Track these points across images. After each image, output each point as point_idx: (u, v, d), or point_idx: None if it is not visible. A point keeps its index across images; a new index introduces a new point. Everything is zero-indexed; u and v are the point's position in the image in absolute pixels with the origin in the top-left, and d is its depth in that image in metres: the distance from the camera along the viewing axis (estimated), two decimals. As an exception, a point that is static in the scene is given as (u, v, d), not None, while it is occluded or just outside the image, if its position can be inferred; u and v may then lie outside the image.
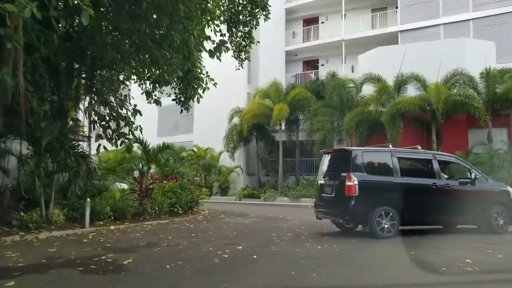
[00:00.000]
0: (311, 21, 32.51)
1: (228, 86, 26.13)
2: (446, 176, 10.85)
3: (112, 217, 11.70)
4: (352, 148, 10.64)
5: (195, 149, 27.48)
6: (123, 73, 13.69)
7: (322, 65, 31.53)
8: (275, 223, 12.57)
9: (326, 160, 11.01)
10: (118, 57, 11.45)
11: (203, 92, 14.14)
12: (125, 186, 14.00)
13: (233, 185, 26.61)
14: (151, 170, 15.95)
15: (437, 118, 18.95)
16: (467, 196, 10.34)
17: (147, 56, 11.66)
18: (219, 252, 7.24)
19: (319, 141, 22.62)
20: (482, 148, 19.67)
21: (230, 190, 26.56)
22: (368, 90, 21.33)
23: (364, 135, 21.12)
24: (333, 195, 10.02)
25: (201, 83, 14.00)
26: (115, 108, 12.61)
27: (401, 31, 27.66)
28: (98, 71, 13.15)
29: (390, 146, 11.11)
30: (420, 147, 11.27)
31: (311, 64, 32.95)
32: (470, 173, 10.61)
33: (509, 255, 7.57)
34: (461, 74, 19.28)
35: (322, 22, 31.87)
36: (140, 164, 15.54)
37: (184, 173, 17.33)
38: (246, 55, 15.32)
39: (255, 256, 7.00)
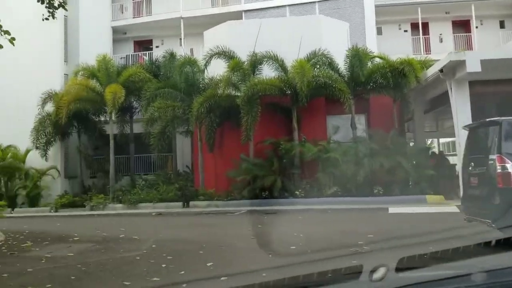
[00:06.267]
0: (142, -6, 27.78)
1: (39, 65, 20.49)
2: None
3: None
4: (503, 118, 7.31)
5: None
6: None
7: (157, 46, 27.09)
8: (120, 252, 7.89)
9: (469, 138, 8.34)
10: None
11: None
12: None
13: (46, 192, 20.34)
14: None
15: (300, 103, 16.63)
16: None
17: None
18: None
19: (157, 132, 18.53)
20: (342, 136, 18.04)
21: (42, 199, 20.26)
22: (217, 70, 17.91)
23: (215, 123, 17.76)
24: (480, 188, 7.52)
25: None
26: None
27: (245, 10, 25.04)
28: None
29: None
30: None
31: (144, 45, 28.22)
32: None
33: None
34: (321, 55, 17.24)
35: (156, -4, 27.45)
36: None
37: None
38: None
39: None
